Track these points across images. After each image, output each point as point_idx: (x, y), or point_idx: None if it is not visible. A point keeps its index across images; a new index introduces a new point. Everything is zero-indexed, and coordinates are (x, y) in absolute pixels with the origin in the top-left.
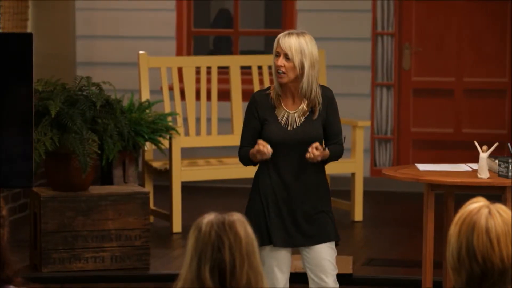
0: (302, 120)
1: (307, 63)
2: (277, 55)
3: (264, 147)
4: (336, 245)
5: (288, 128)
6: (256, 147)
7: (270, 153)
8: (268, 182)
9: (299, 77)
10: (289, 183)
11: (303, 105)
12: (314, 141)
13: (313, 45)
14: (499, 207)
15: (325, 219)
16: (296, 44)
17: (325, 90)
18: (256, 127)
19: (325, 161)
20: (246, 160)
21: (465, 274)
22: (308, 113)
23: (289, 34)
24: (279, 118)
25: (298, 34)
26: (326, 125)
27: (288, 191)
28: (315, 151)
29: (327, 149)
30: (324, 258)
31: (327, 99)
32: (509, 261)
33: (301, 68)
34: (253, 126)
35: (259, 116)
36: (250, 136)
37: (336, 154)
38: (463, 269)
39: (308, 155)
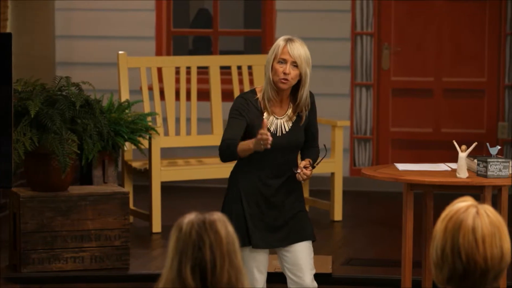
0: (290, 126)
1: (309, 72)
2: (282, 61)
3: (268, 135)
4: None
5: (277, 134)
6: (259, 136)
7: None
8: (248, 183)
9: (299, 85)
10: (271, 185)
11: (290, 111)
12: (298, 146)
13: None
14: (487, 208)
15: (303, 219)
16: (304, 53)
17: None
18: (243, 125)
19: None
20: (229, 152)
21: (447, 271)
22: (295, 118)
23: (292, 40)
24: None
25: (300, 42)
26: (307, 129)
27: (269, 193)
28: (306, 171)
29: (308, 159)
30: (302, 257)
31: (310, 104)
32: (492, 262)
33: (305, 77)
34: (240, 123)
35: (248, 117)
36: (237, 130)
37: (316, 158)
38: (445, 266)
39: (299, 176)
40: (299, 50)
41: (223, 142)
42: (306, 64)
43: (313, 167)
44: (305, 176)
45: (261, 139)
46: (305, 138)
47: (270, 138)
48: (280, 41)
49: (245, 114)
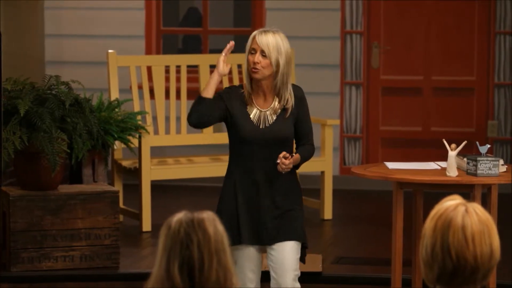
0: (274, 118)
1: (282, 61)
2: (252, 52)
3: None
4: (305, 247)
5: (260, 126)
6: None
7: (226, 69)
8: (239, 180)
9: (273, 74)
10: (259, 181)
11: (275, 103)
12: (285, 140)
13: (287, 44)
14: (476, 206)
15: (293, 218)
16: (273, 42)
17: (295, 89)
18: (219, 104)
19: (297, 165)
20: (194, 103)
21: (437, 269)
22: (280, 111)
23: (265, 31)
24: (251, 116)
25: (273, 32)
26: (297, 125)
27: (258, 189)
28: (284, 160)
29: (297, 154)
30: (286, 257)
31: (298, 98)
32: (481, 260)
33: (276, 65)
34: (217, 103)
35: (228, 103)
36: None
37: (307, 156)
38: (435, 264)
39: (279, 167)
40: (267, 39)
41: (195, 101)
42: (277, 53)
43: (291, 156)
44: (283, 166)
45: (218, 62)
46: (296, 136)
47: (231, 43)
48: (253, 33)
49: (225, 98)
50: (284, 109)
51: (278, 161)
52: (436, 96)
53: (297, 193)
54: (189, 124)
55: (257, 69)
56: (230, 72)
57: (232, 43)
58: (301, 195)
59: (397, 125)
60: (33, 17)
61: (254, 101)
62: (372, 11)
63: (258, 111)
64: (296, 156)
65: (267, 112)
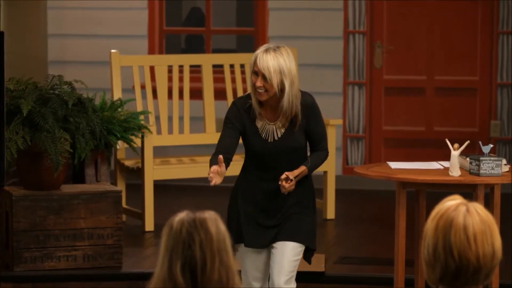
0: (283, 132)
1: (287, 82)
2: (255, 74)
3: (212, 177)
4: (312, 250)
5: (268, 140)
6: (209, 172)
7: (214, 183)
8: (248, 186)
9: (278, 93)
10: (269, 189)
11: (282, 117)
12: (295, 151)
13: (291, 61)
14: (477, 206)
15: (299, 220)
16: (275, 64)
17: (304, 96)
18: (234, 134)
19: (307, 174)
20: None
21: (440, 270)
22: (288, 124)
23: (266, 51)
24: (259, 130)
25: (275, 51)
26: (308, 133)
27: (268, 197)
28: (284, 184)
29: (303, 166)
30: (285, 257)
31: (307, 106)
32: (484, 260)
33: (280, 87)
34: (229, 135)
35: (239, 125)
36: (227, 141)
37: (318, 163)
38: (438, 265)
39: (282, 190)
40: (268, 62)
41: (213, 155)
42: (280, 74)
43: (291, 180)
44: (284, 189)
45: (209, 175)
46: (309, 142)
47: (214, 181)
48: (256, 51)
49: (236, 123)
50: (292, 122)
51: (280, 182)
52: (439, 96)
53: (309, 199)
54: None
55: (261, 91)
56: (233, 73)
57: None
58: (314, 200)
59: (400, 125)
60: (36, 16)
61: (262, 114)
62: (375, 11)
63: (266, 125)
64: (301, 170)
65: (275, 126)
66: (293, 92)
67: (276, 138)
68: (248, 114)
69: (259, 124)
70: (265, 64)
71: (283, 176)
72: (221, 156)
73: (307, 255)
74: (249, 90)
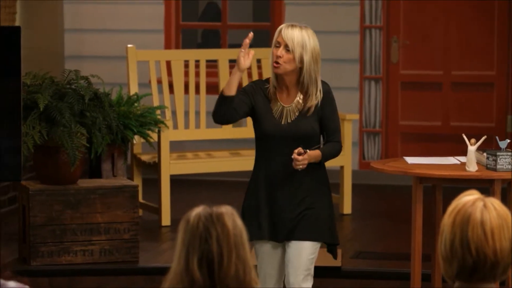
0: (297, 115)
1: (307, 57)
2: (277, 45)
3: (243, 58)
4: (332, 245)
5: (282, 122)
6: (239, 55)
7: (247, 63)
8: (261, 175)
9: (298, 70)
10: (281, 177)
11: (298, 99)
12: (306, 136)
13: (315, 40)
14: (493, 201)
15: (314, 217)
16: (299, 37)
17: (322, 83)
18: (245, 100)
19: (320, 162)
20: (217, 100)
21: (457, 265)
22: (303, 107)
23: (292, 26)
24: (273, 112)
25: (301, 27)
26: (323, 122)
27: (279, 185)
28: (297, 156)
29: (317, 150)
30: (301, 256)
31: (324, 92)
32: (501, 255)
33: (300, 61)
34: (241, 98)
35: (253, 99)
36: (236, 100)
37: (332, 152)
38: (455, 260)
39: (293, 163)
40: (293, 34)
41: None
42: (302, 48)
43: (305, 152)
44: (297, 162)
45: (239, 54)
46: (322, 132)
47: (243, 62)
48: (280, 26)
49: (250, 94)
50: (307, 106)
51: (292, 156)
52: (455, 91)
53: (322, 190)
54: (215, 122)
55: (278, 63)
56: (250, 67)
57: (250, 34)
58: (329, 193)
59: (416, 120)
60: (52, 11)
61: (277, 96)
62: (391, 5)
63: (281, 107)
64: (314, 152)
65: (290, 108)
66: (316, 70)
67: (289, 120)
68: (264, 94)
69: (273, 105)
70: (290, 35)
71: (296, 150)
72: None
73: (331, 250)
74: (267, 69)
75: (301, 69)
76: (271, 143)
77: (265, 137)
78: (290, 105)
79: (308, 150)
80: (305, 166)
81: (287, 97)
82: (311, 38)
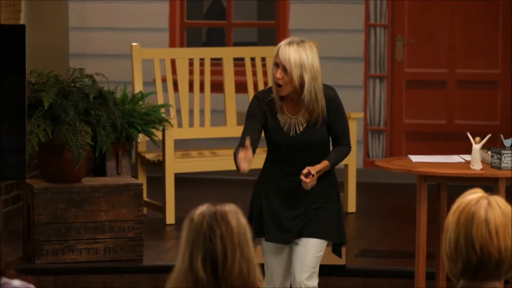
0: (304, 126)
1: (307, 77)
2: (276, 65)
3: (240, 163)
4: (337, 244)
5: (290, 134)
6: (238, 160)
7: (243, 170)
8: (270, 180)
9: (299, 88)
10: (290, 181)
11: (303, 111)
12: (317, 146)
13: (314, 56)
14: (498, 199)
15: (322, 216)
16: (296, 57)
17: (327, 89)
18: (256, 126)
19: (329, 169)
20: (234, 159)
21: (461, 263)
22: (310, 118)
23: (289, 44)
24: (281, 124)
25: (298, 44)
26: (331, 127)
27: (288, 189)
28: (305, 179)
29: (325, 160)
30: (307, 254)
31: (329, 99)
32: (506, 253)
33: (300, 81)
34: (252, 128)
35: (261, 118)
36: (250, 133)
37: (340, 157)
38: (459, 258)
39: (304, 185)
40: (289, 54)
41: (236, 148)
42: (300, 68)
43: (312, 176)
44: (305, 185)
45: (236, 165)
46: (331, 136)
47: (242, 168)
48: (280, 43)
49: (258, 115)
50: (313, 115)
51: (301, 177)
52: (460, 89)
53: (331, 193)
54: None
55: (280, 86)
56: (254, 65)
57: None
58: (337, 194)
59: (421, 118)
60: (57, 9)
61: (284, 108)
62: (396, 4)
63: (287, 118)
64: (323, 165)
65: (297, 119)
66: (316, 87)
67: (298, 131)
68: (270, 107)
69: (280, 117)
70: (287, 56)
71: (305, 171)
72: (248, 143)
73: (335, 249)
74: (270, 84)
75: (302, 86)
76: (282, 153)
77: (276, 148)
78: (297, 116)
79: (314, 173)
80: (314, 184)
81: (293, 108)
82: (309, 55)
